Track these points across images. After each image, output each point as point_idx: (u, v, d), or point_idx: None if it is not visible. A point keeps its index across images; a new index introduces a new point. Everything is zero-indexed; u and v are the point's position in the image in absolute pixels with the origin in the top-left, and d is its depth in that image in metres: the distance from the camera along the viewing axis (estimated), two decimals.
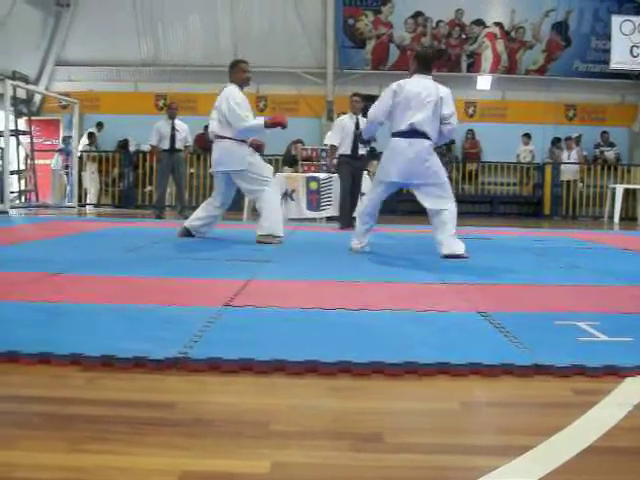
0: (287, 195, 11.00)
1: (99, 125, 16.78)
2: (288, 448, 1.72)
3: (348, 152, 9.42)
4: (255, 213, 9.11)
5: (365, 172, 12.02)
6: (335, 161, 9.66)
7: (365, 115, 7.48)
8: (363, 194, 9.41)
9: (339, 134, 9.51)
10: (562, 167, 15.87)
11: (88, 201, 15.83)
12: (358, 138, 8.96)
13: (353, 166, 9.44)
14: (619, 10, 16.12)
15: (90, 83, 17.28)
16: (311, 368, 2.35)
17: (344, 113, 10.84)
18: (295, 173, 11.56)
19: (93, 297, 3.52)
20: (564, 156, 16.02)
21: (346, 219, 9.40)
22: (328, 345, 2.62)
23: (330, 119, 16.38)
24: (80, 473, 1.53)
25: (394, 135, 5.95)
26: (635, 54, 14.98)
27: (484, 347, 2.64)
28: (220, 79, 16.63)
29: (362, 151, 9.54)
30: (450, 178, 16.24)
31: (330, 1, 16.56)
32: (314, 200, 9.97)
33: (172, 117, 11.44)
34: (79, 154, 15.13)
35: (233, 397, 2.12)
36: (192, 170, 15.51)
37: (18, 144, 14.84)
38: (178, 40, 17.12)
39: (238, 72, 7.01)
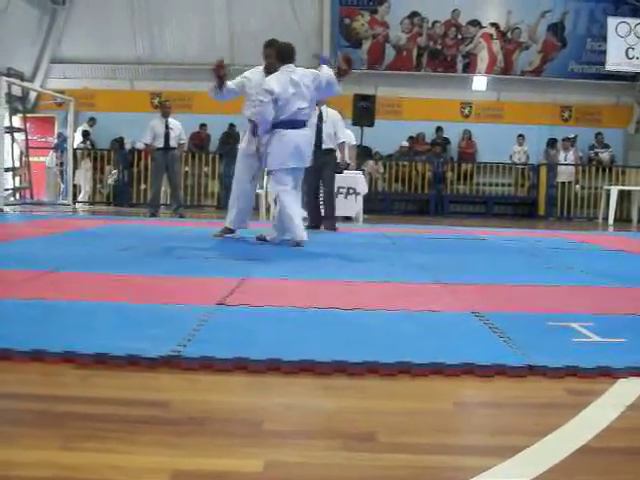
0: None
1: (91, 120, 16.74)
2: (281, 447, 1.72)
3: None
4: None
5: (361, 172, 12.04)
6: None
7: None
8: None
9: None
10: (559, 168, 15.91)
11: (81, 199, 15.81)
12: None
13: (318, 162, 8.60)
14: (615, 12, 16.17)
15: (85, 81, 17.25)
16: (305, 367, 2.34)
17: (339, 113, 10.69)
18: None
19: (87, 295, 3.51)
20: (561, 157, 16.04)
21: (315, 219, 9.08)
22: (322, 344, 2.62)
23: None
24: (73, 471, 1.53)
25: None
26: (630, 56, 15.01)
27: (478, 347, 2.64)
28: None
29: (330, 145, 9.02)
30: (445, 178, 16.40)
31: (326, 1, 16.58)
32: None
33: (166, 115, 11.44)
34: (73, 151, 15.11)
35: (226, 396, 2.12)
36: (187, 169, 15.50)
37: (13, 141, 14.80)
38: (174, 38, 17.10)
39: None
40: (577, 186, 15.96)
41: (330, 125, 8.98)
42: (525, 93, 17.03)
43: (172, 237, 7.24)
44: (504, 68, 17.19)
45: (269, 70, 6.67)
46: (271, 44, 6.77)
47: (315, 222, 9.04)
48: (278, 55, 6.53)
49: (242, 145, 7.03)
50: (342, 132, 9.17)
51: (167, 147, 11.37)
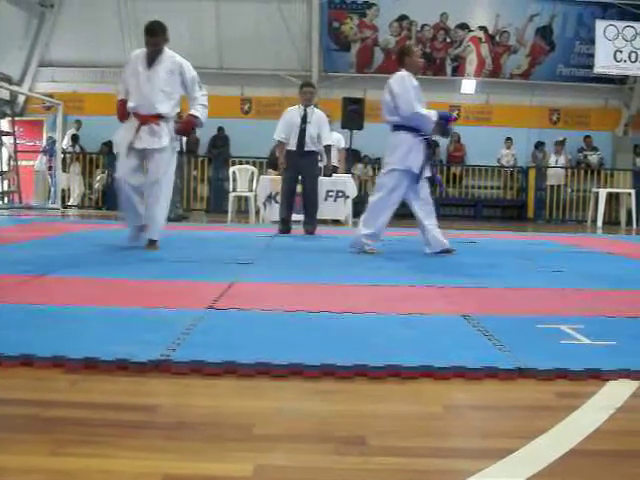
0: (271, 198, 10.97)
1: (77, 122, 16.65)
2: (271, 451, 1.72)
3: (293, 148, 8.80)
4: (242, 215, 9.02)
5: (350, 175, 12.04)
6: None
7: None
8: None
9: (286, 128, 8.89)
10: (549, 171, 15.97)
11: (71, 202, 15.74)
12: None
13: (299, 165, 8.82)
14: (603, 15, 16.24)
15: (74, 84, 17.21)
16: (295, 371, 2.34)
17: (328, 116, 10.65)
18: (279, 176, 11.50)
19: (77, 299, 3.50)
20: (552, 160, 16.11)
21: (285, 224, 8.95)
22: (312, 348, 2.62)
23: None
24: (63, 476, 1.52)
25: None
26: (619, 59, 15.07)
27: (468, 350, 2.65)
28: (204, 81, 16.67)
29: (312, 147, 8.83)
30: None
31: (315, 4, 16.58)
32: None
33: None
34: (62, 155, 15.05)
35: (216, 400, 2.12)
36: None
37: (1, 145, 14.74)
38: None
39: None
40: (568, 190, 16.01)
41: (314, 127, 8.80)
42: (514, 96, 17.11)
43: (161, 241, 7.21)
44: (492, 71, 17.24)
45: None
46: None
47: (285, 226, 8.94)
48: None
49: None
50: (327, 134, 8.96)
51: (184, 150, 11.20)
